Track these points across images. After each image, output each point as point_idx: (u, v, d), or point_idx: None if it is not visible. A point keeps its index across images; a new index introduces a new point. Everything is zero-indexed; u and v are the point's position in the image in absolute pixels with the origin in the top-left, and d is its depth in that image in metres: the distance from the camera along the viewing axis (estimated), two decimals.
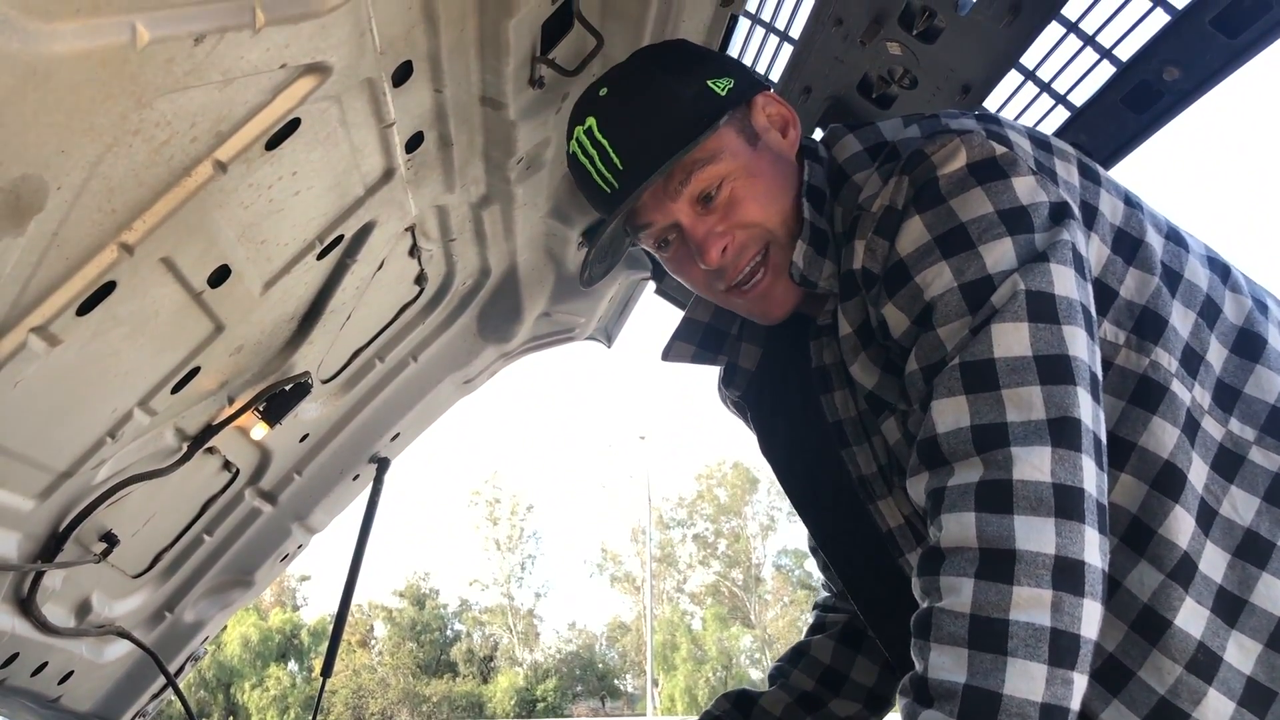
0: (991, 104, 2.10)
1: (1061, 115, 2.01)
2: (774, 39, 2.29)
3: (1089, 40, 1.83)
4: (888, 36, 2.11)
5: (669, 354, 1.88)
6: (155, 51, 1.38)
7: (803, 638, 2.09)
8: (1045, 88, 1.97)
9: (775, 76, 2.38)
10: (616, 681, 43.36)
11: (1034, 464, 1.30)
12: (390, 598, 42.79)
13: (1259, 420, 1.49)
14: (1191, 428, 1.45)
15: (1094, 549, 1.29)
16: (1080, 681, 1.27)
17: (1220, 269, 1.59)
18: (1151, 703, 1.41)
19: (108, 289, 1.72)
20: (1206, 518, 1.44)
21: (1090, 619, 1.28)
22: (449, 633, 43.45)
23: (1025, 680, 1.24)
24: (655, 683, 38.23)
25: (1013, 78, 2.02)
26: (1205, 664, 1.40)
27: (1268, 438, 1.48)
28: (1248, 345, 1.53)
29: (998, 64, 1.99)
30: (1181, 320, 1.50)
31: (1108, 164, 2.00)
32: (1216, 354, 1.51)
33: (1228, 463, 1.47)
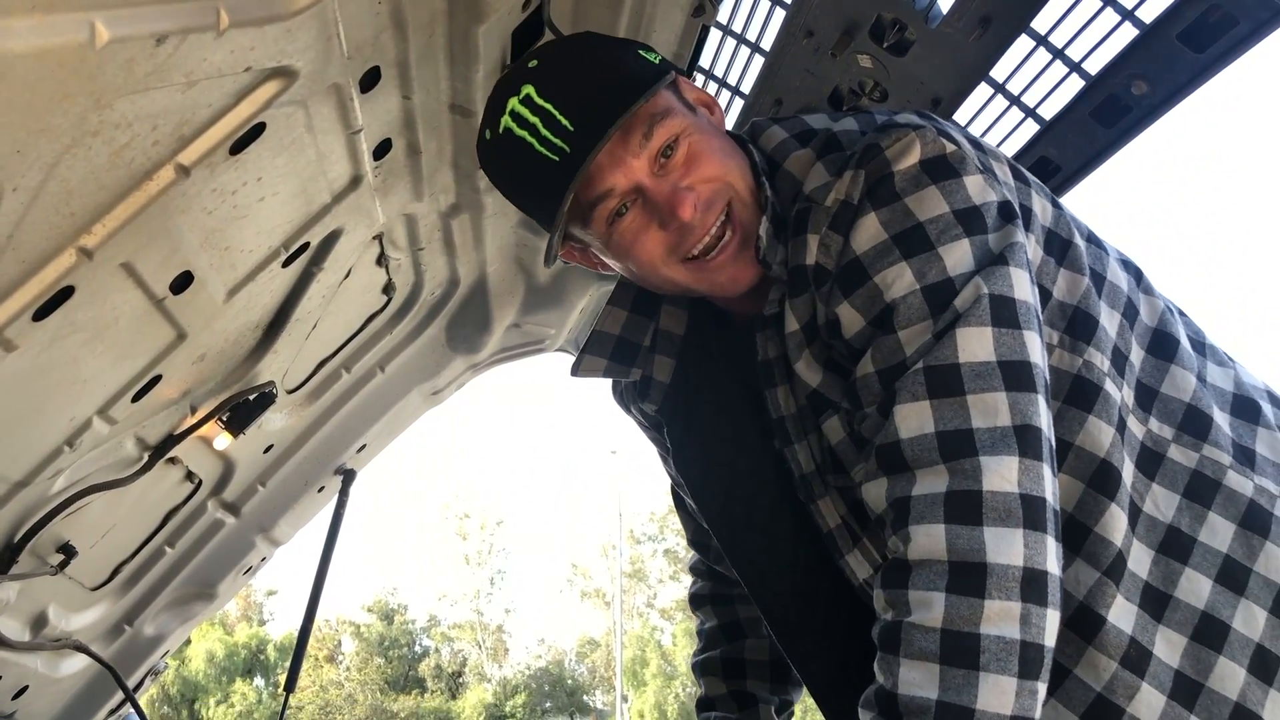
0: (961, 116, 2.10)
1: (1031, 129, 2.02)
2: (745, 50, 2.29)
3: (1058, 54, 1.84)
4: (858, 49, 2.11)
5: (578, 369, 1.79)
6: (115, 51, 1.36)
7: (706, 633, 2.03)
8: (1015, 101, 1.98)
9: (746, 88, 2.38)
10: (586, 697, 43.16)
11: (1002, 474, 1.29)
12: (358, 612, 42.45)
13: (1176, 419, 1.51)
14: (1122, 427, 1.46)
15: (1054, 558, 1.30)
16: (1043, 690, 1.27)
17: (1134, 271, 1.61)
18: (1088, 700, 1.42)
19: (65, 294, 1.68)
20: (1133, 516, 1.45)
21: (1052, 628, 1.28)
22: (417, 648, 43.13)
23: (997, 695, 1.23)
24: (625, 698, 38.08)
25: (983, 91, 2.02)
26: (1137, 659, 1.40)
27: (1185, 435, 1.50)
28: (1162, 346, 1.55)
29: (968, 76, 2.00)
30: (1109, 321, 1.51)
31: (1076, 178, 2.01)
32: (1136, 354, 1.53)
33: (1149, 461, 1.48)
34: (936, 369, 1.35)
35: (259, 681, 39.16)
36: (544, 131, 1.43)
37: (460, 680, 41.73)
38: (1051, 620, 1.28)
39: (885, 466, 1.38)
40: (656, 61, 1.54)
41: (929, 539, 1.30)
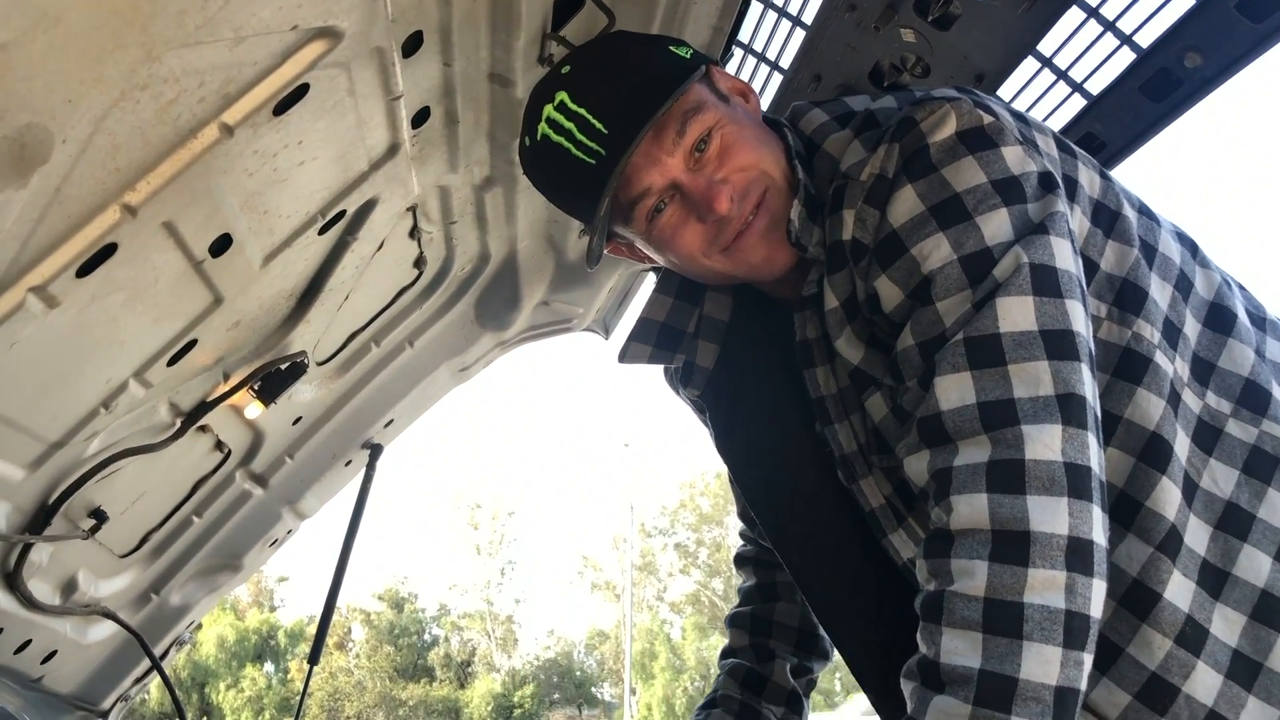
0: (1005, 93, 2.08)
1: (1077, 104, 2.00)
2: (785, 24, 2.27)
3: (1109, 26, 1.82)
4: (902, 23, 2.09)
5: (625, 356, 1.81)
6: (168, 2, 1.35)
7: (744, 591, 2.06)
8: (1062, 75, 1.95)
9: (786, 63, 2.36)
10: (594, 689, 43.23)
11: (1045, 442, 1.28)
12: (369, 600, 42.60)
13: (1234, 393, 1.49)
14: (1175, 400, 1.45)
15: (1100, 528, 1.28)
16: (1089, 662, 1.26)
17: (1189, 244, 1.59)
18: (1142, 679, 1.40)
19: (108, 251, 1.68)
20: (1189, 491, 1.43)
21: (1099, 599, 1.27)
22: (427, 637, 43.26)
23: (1040, 664, 1.22)
24: (633, 691, 38.11)
25: (1028, 66, 2.00)
26: (1194, 637, 1.39)
27: (1243, 410, 1.48)
28: (1219, 319, 1.53)
29: (1014, 51, 1.98)
30: (1160, 293, 1.49)
31: (1122, 154, 1.99)
32: (1192, 327, 1.51)
33: (1206, 435, 1.47)
34: (977, 339, 1.34)
35: (269, 667, 39.34)
36: (579, 136, 1.47)
37: (469, 670, 41.85)
38: (1098, 591, 1.26)
39: (927, 438, 1.37)
40: (687, 56, 1.55)
41: (971, 508, 1.29)
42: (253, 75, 1.65)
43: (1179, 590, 1.40)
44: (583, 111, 1.46)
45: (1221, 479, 1.45)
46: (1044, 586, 1.24)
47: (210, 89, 1.59)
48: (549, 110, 1.49)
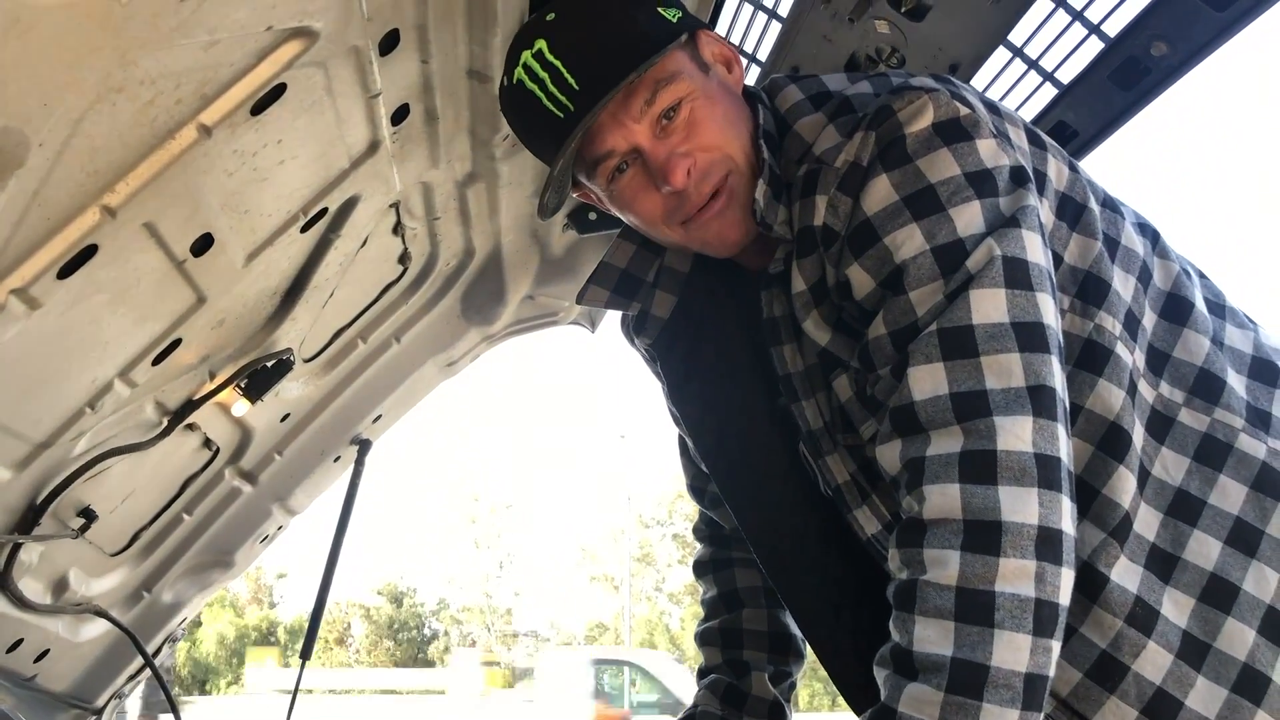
0: (978, 82, 2.10)
1: (1049, 93, 2.02)
2: (762, 16, 2.29)
3: (1077, 15, 1.84)
4: (876, 14, 2.11)
5: (583, 298, 1.84)
6: (141, 5, 1.36)
7: (707, 603, 2.05)
8: (1033, 65, 1.98)
9: (763, 56, 2.38)
10: None
11: (1016, 433, 1.31)
12: (368, 595, 42.65)
13: (1188, 383, 1.52)
14: (1133, 390, 1.47)
15: (1068, 518, 1.31)
16: (1057, 648, 1.30)
17: (1151, 234, 1.62)
18: (1093, 657, 1.43)
19: (89, 252, 1.70)
20: (1142, 479, 1.46)
21: (1066, 587, 1.30)
22: (426, 631, 43.34)
23: (1011, 651, 1.25)
24: (633, 682, 38.18)
25: (1000, 56, 2.02)
26: (1144, 618, 1.42)
27: (1196, 399, 1.51)
28: (1175, 309, 1.56)
29: (986, 41, 2.00)
30: (1123, 285, 1.52)
31: (1093, 142, 2.01)
32: (1149, 319, 1.54)
33: (1159, 424, 1.49)
34: (950, 330, 1.36)
35: (269, 664, 39.35)
36: (551, 88, 1.49)
37: None
38: (1066, 579, 1.30)
39: (899, 428, 1.40)
40: (674, 20, 1.55)
41: (944, 498, 1.31)
42: (229, 76, 1.66)
43: (1125, 573, 1.43)
44: (558, 64, 1.48)
45: (1172, 467, 1.48)
46: (1014, 575, 1.27)
47: (187, 90, 1.60)
48: (527, 56, 1.51)
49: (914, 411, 1.37)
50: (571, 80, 1.47)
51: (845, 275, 1.49)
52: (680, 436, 1.99)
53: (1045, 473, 1.30)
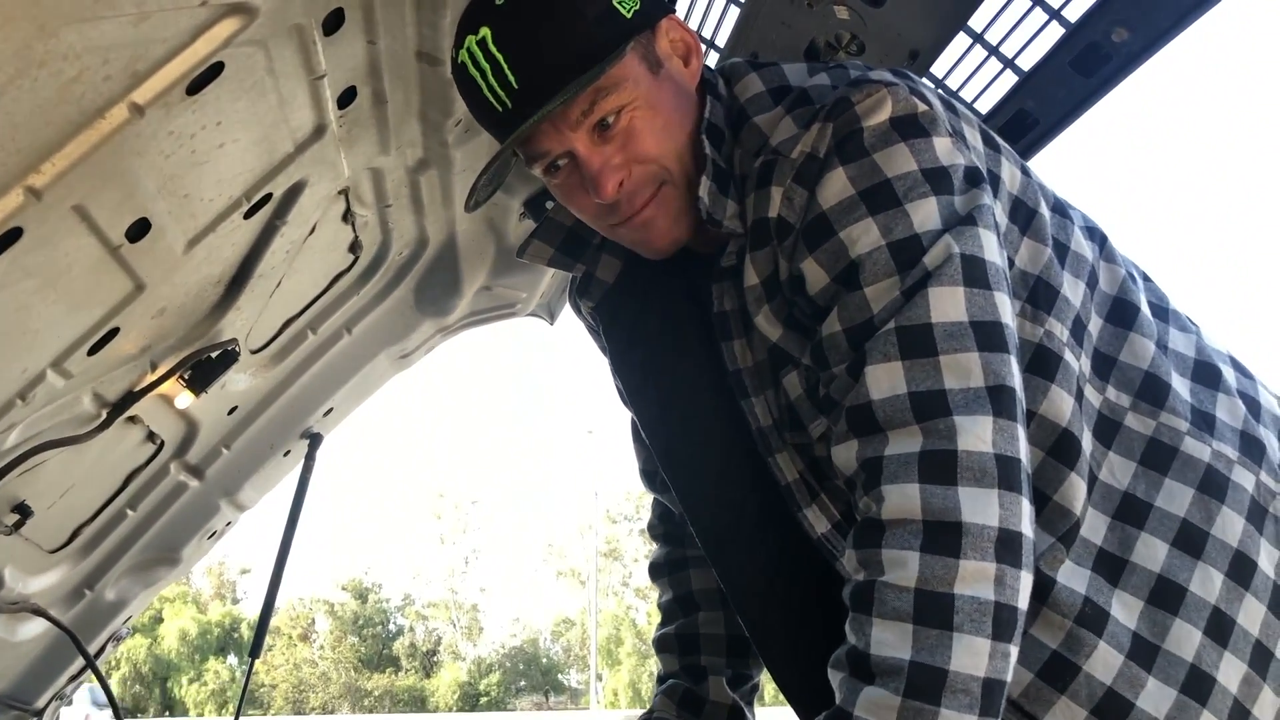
0: (938, 69, 2.07)
1: (1009, 80, 1.99)
2: (720, 1, 2.24)
3: (1038, 1, 1.81)
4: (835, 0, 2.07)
5: (525, 252, 1.80)
6: None
7: (663, 608, 2.00)
8: (994, 51, 1.94)
9: (721, 41, 2.34)
10: (560, 676, 43.36)
11: (977, 434, 1.28)
12: (332, 591, 42.44)
13: (1134, 387, 1.51)
14: (1080, 396, 1.46)
15: (1028, 520, 1.29)
16: (1015, 653, 1.27)
17: (1099, 238, 1.61)
18: (1043, 657, 1.41)
19: (13, 235, 1.62)
20: (1090, 484, 1.45)
21: (1025, 591, 1.28)
22: (391, 627, 43.20)
23: (970, 656, 1.22)
24: (599, 677, 38.24)
25: (960, 43, 1.99)
26: (1094, 618, 1.40)
27: (1142, 403, 1.50)
28: (1121, 314, 1.55)
29: (946, 27, 1.96)
30: (1072, 290, 1.50)
31: (1054, 131, 1.99)
32: (1095, 324, 1.53)
33: (1106, 429, 1.48)
34: (908, 329, 1.34)
35: (232, 660, 39.11)
36: (491, 79, 1.46)
37: (435, 659, 41.84)
38: (1025, 583, 1.27)
39: (855, 428, 1.37)
40: (629, 14, 1.49)
41: (903, 499, 1.28)
42: (162, 53, 1.59)
43: (1072, 575, 1.41)
44: (500, 58, 1.45)
45: (1119, 471, 1.47)
46: (974, 578, 1.24)
47: (116, 67, 1.54)
48: (471, 41, 1.47)
49: (871, 411, 1.34)
50: (512, 79, 1.44)
51: (799, 269, 1.46)
52: (633, 421, 1.94)
53: (1006, 474, 1.28)
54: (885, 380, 1.33)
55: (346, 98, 2.11)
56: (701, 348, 1.67)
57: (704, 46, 2.37)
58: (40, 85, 1.44)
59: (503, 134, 1.49)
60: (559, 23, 1.45)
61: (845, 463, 1.39)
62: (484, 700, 39.05)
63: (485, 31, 1.45)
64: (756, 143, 1.52)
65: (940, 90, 1.65)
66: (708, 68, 1.64)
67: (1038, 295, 1.47)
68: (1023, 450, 1.31)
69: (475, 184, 1.56)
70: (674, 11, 1.62)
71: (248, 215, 2.15)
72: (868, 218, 1.40)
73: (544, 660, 43.01)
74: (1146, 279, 1.66)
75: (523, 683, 42.09)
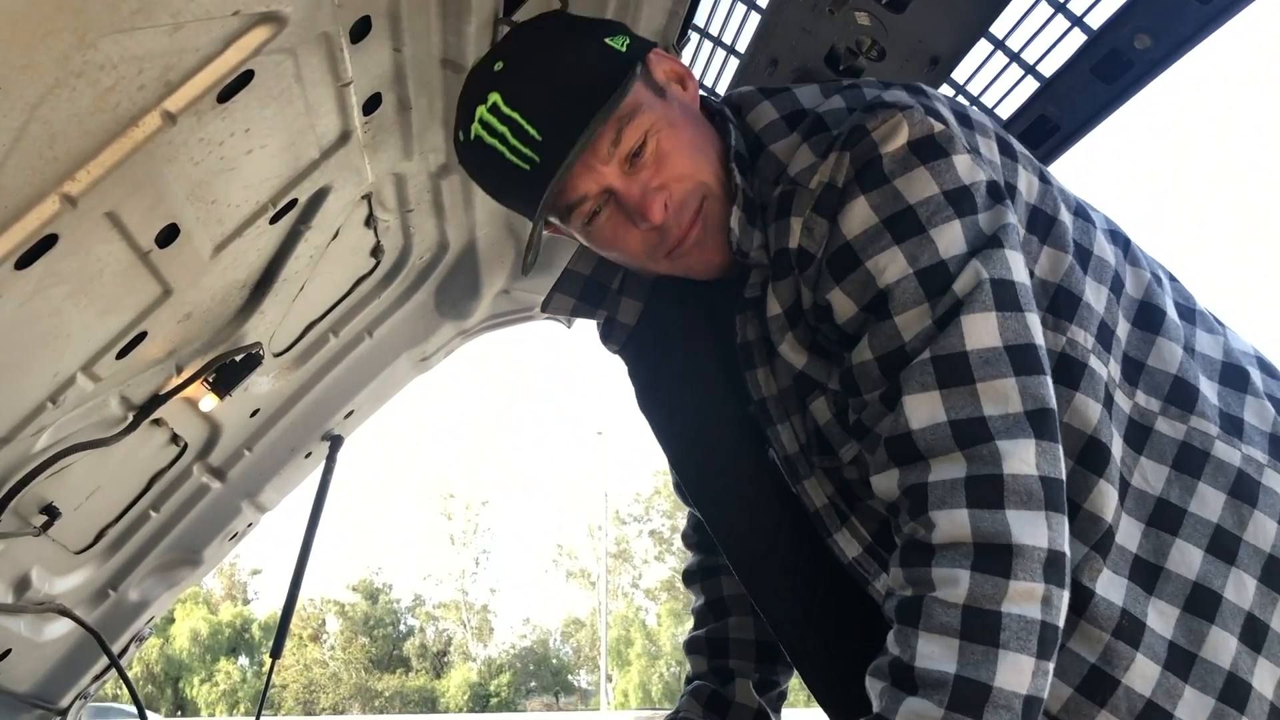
0: (960, 75, 2.08)
1: (1030, 86, 2.00)
2: (741, 7, 2.26)
3: (1060, 8, 1.82)
4: (856, 6, 2.08)
5: (548, 306, 1.79)
6: None
7: (696, 612, 2.03)
8: (1015, 57, 1.95)
9: (741, 47, 2.35)
10: (570, 677, 43.34)
11: (1021, 457, 1.30)
12: (343, 591, 42.51)
13: (1163, 391, 1.51)
14: (1109, 402, 1.46)
15: (1067, 538, 1.31)
16: (1052, 671, 1.29)
17: (1122, 242, 1.60)
18: (1083, 672, 1.42)
19: (49, 242, 1.65)
20: (1122, 490, 1.45)
21: (1065, 609, 1.30)
22: (402, 627, 43.23)
23: (1014, 673, 1.24)
24: (609, 678, 38.23)
25: (981, 48, 2.00)
26: (1130, 630, 1.41)
27: (1172, 407, 1.50)
28: (1148, 317, 1.55)
29: (967, 33, 1.97)
30: (1095, 296, 1.50)
31: (1075, 137, 1.99)
32: (1122, 328, 1.53)
33: (1136, 434, 1.48)
34: (944, 358, 1.35)
35: (243, 660, 39.19)
36: (513, 141, 1.43)
37: (445, 660, 41.86)
38: (1066, 601, 1.30)
39: (896, 457, 1.38)
40: (623, 49, 1.50)
41: (952, 524, 1.30)
42: (194, 62, 1.61)
43: (1110, 586, 1.42)
44: (516, 116, 1.42)
45: (1152, 476, 1.47)
46: (1023, 598, 1.26)
47: (150, 76, 1.56)
48: (481, 111, 1.45)
49: (912, 440, 1.35)
50: (533, 132, 1.42)
51: (826, 299, 1.46)
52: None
53: (1051, 495, 1.30)
54: (924, 409, 1.35)
55: (372, 104, 2.14)
56: (725, 380, 1.67)
57: (725, 54, 2.40)
58: (78, 95, 1.47)
59: (536, 193, 1.45)
60: (564, 69, 1.45)
61: (887, 491, 1.40)
62: (494, 701, 39.08)
63: (494, 97, 1.44)
64: (774, 171, 1.52)
65: (959, 97, 1.65)
66: (716, 98, 1.65)
67: (1059, 304, 1.48)
68: (1063, 470, 1.33)
69: (526, 254, 1.54)
70: (656, 46, 1.62)
71: (273, 220, 2.18)
72: (893, 246, 1.40)
73: (554, 661, 43.01)
74: (1172, 279, 1.66)
75: (533, 683, 42.10)
